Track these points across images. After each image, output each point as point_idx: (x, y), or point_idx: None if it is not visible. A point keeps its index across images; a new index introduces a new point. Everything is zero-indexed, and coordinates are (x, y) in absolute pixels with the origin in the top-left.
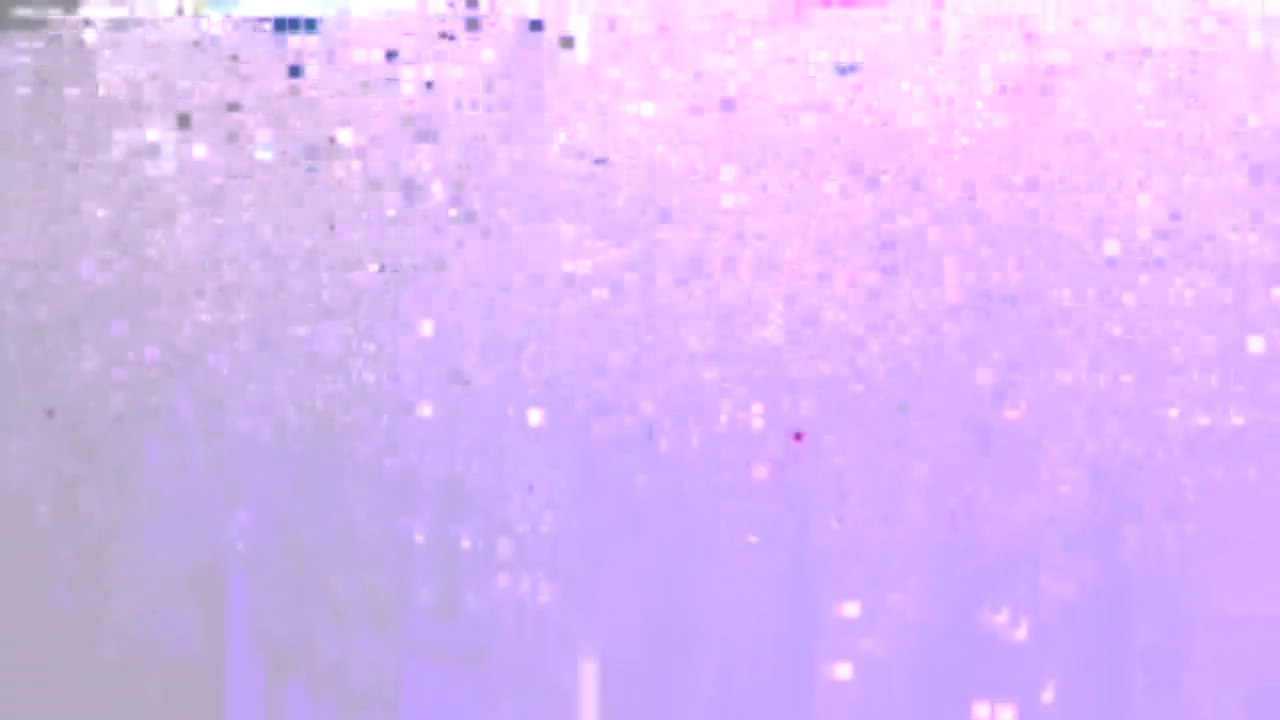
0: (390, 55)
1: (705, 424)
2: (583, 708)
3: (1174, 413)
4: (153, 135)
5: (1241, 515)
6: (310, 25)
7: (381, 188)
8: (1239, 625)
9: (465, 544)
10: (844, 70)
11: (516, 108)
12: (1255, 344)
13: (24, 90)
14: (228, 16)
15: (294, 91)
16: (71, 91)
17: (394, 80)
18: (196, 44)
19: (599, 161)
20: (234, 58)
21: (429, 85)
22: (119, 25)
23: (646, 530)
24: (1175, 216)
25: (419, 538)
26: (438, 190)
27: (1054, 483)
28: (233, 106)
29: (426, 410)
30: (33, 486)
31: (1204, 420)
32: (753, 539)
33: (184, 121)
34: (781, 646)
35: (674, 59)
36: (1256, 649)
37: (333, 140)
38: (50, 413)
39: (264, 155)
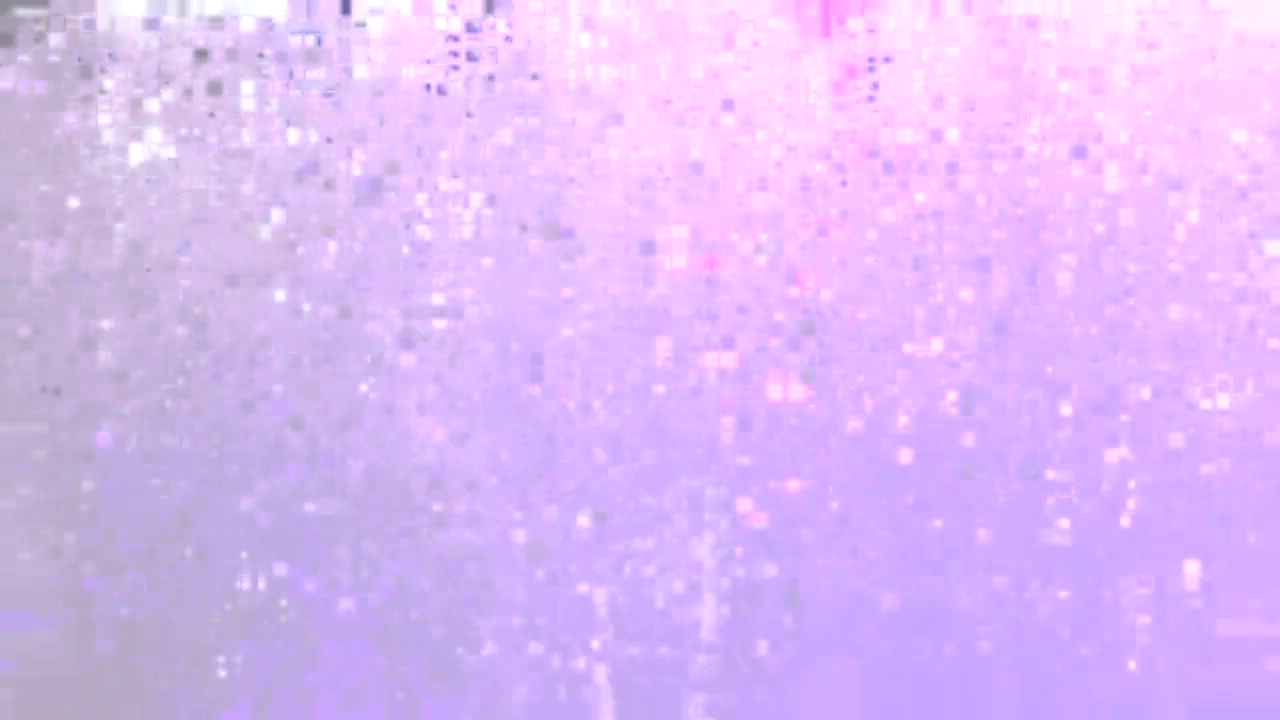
0: (392, 57)
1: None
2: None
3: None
4: (154, 135)
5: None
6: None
7: (381, 187)
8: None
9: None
10: (853, 72)
11: (515, 107)
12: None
13: (24, 90)
14: (230, 19)
15: (294, 95)
16: (74, 91)
17: (395, 80)
18: (200, 47)
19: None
20: (234, 59)
21: (428, 87)
22: (122, 25)
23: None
24: (1176, 222)
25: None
26: (439, 187)
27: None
28: (234, 108)
29: (433, 396)
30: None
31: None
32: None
33: (186, 122)
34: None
35: (680, 61)
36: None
37: (330, 140)
38: (56, 390)
39: (294, 137)
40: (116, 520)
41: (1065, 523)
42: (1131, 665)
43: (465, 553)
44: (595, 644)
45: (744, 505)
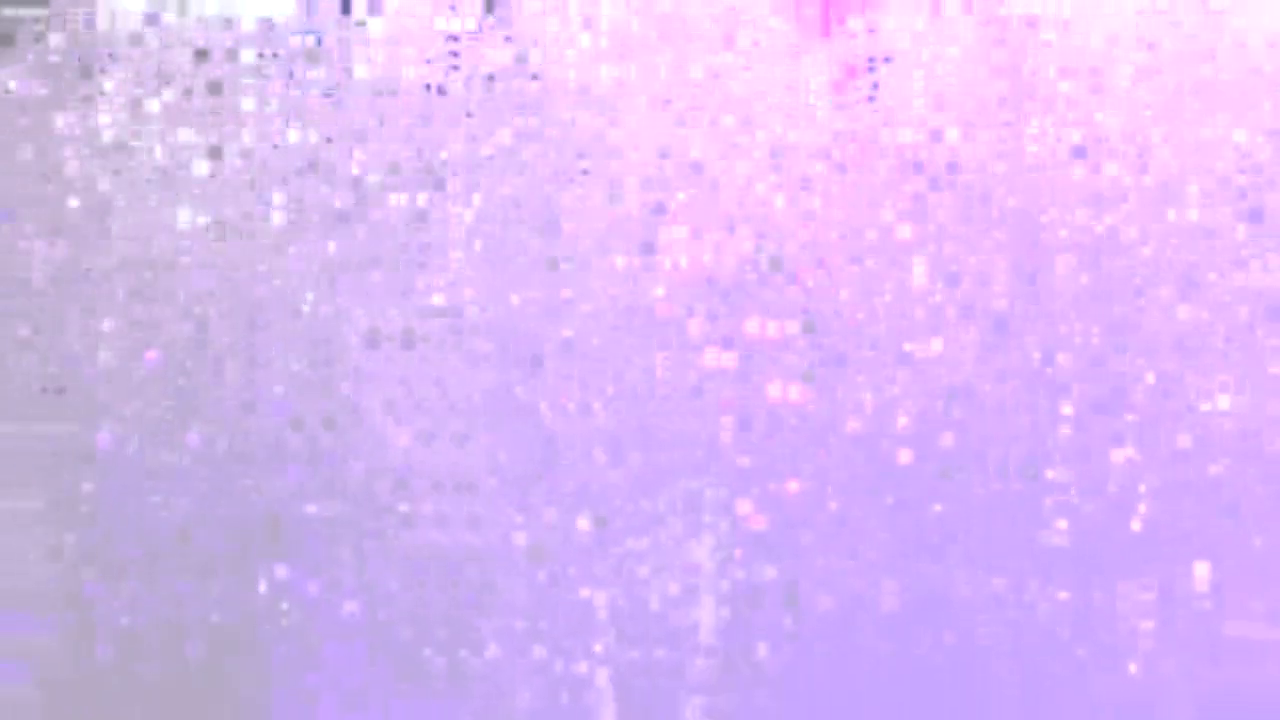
0: (392, 57)
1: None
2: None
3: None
4: (155, 135)
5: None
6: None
7: (392, 183)
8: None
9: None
10: (853, 72)
11: (515, 107)
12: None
13: (24, 90)
14: (230, 19)
15: (294, 95)
16: (74, 91)
17: (395, 80)
18: (200, 47)
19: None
20: (234, 59)
21: (428, 87)
22: (122, 25)
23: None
24: (1166, 215)
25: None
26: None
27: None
28: (234, 108)
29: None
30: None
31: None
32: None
33: (186, 122)
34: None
35: (680, 61)
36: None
37: (331, 140)
38: (57, 391)
39: (294, 137)
40: (116, 522)
41: (1066, 524)
42: (1133, 669)
43: (465, 555)
44: (598, 647)
45: (743, 507)
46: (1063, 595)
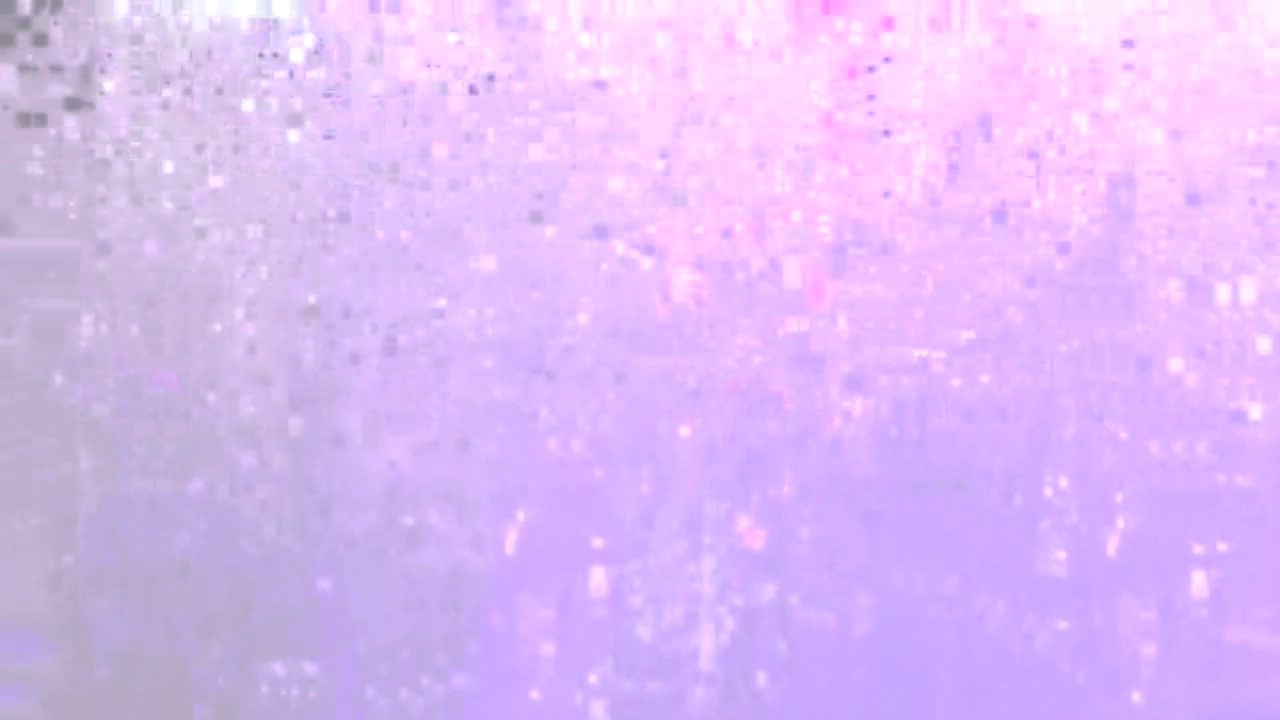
0: (392, 57)
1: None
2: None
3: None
4: (154, 135)
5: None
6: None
7: (398, 167)
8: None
9: None
10: (853, 72)
11: (515, 107)
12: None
13: (24, 90)
14: (230, 19)
15: (294, 95)
16: (74, 91)
17: (396, 80)
18: (200, 47)
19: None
20: (234, 59)
21: (429, 87)
22: (122, 25)
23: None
24: (1160, 212)
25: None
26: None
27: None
28: (234, 108)
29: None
30: None
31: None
32: None
33: (186, 122)
34: None
35: (680, 61)
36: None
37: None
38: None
39: (294, 137)
40: (114, 544)
41: (1069, 530)
42: (1137, 697)
43: (461, 574)
44: (592, 678)
45: (743, 511)
46: (1061, 625)
